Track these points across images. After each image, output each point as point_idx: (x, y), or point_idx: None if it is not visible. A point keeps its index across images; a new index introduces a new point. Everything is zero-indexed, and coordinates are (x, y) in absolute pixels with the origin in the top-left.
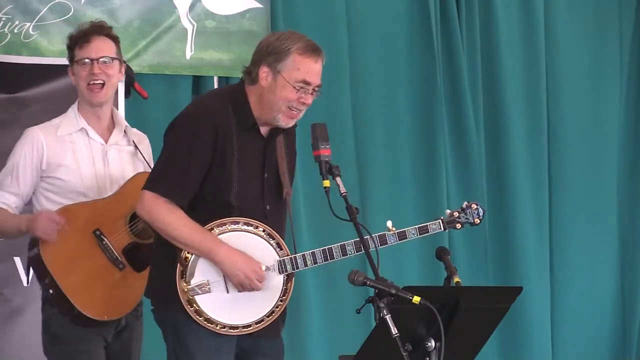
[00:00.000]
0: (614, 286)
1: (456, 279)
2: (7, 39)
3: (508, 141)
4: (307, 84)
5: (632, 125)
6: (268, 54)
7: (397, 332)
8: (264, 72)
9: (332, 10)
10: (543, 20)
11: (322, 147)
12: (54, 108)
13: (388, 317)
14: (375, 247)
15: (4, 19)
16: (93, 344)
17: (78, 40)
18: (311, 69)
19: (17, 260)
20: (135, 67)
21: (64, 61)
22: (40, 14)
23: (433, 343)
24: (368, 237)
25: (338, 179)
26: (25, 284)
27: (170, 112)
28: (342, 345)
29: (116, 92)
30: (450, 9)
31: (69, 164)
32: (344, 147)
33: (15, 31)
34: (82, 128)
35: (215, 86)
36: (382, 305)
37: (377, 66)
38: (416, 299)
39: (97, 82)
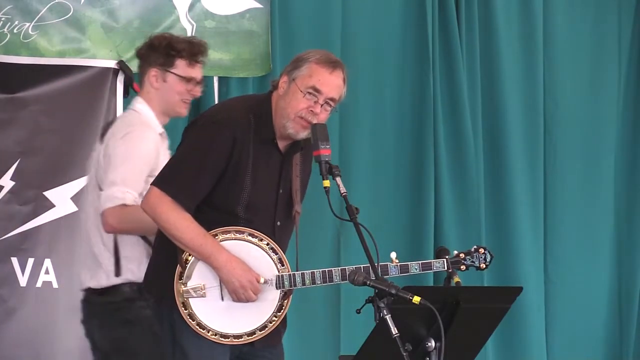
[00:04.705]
0: (610, 286)
1: (456, 279)
2: (7, 39)
3: (505, 142)
4: (317, 91)
5: (630, 126)
6: (291, 63)
7: (397, 332)
8: (283, 80)
9: (329, 12)
10: (542, 23)
11: (322, 147)
12: (54, 108)
13: (388, 317)
14: (375, 246)
15: (3, 19)
16: None
17: (189, 53)
18: (324, 78)
19: (14, 260)
20: (135, 67)
21: (64, 61)
22: (40, 14)
23: (433, 343)
24: (370, 266)
25: (338, 179)
26: (22, 284)
27: None
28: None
29: (114, 94)
30: (450, 14)
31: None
32: None
33: (15, 31)
34: (162, 132)
35: (215, 86)
36: (382, 305)
37: (371, 70)
38: (416, 299)
39: (189, 100)
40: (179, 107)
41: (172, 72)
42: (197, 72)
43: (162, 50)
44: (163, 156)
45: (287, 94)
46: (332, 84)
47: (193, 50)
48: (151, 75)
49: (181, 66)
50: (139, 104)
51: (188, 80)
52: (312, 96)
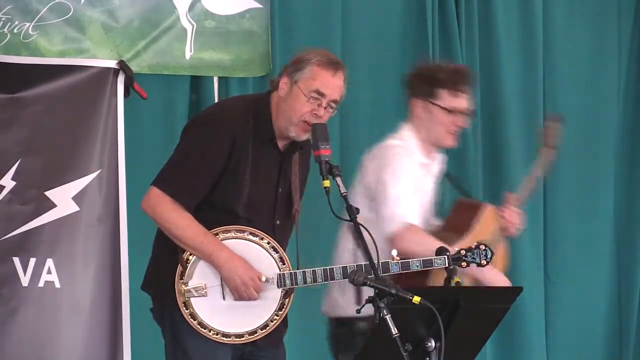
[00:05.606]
0: (610, 286)
1: (456, 279)
2: (7, 39)
3: (505, 142)
4: (321, 94)
5: (629, 126)
6: (291, 64)
7: (397, 332)
8: (284, 82)
9: (329, 12)
10: (542, 23)
11: (322, 147)
12: (54, 108)
13: (388, 317)
14: (376, 246)
15: (3, 19)
16: None
17: (452, 83)
18: (327, 81)
19: (16, 260)
20: (135, 67)
21: (64, 61)
22: (40, 14)
23: (433, 343)
24: (370, 263)
25: (338, 179)
26: (24, 284)
27: (168, 112)
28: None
29: (115, 94)
30: (450, 14)
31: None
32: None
33: (15, 31)
34: (426, 163)
35: (215, 86)
36: (382, 305)
37: (371, 70)
38: (416, 299)
39: (455, 132)
40: (445, 138)
41: (434, 104)
42: (461, 102)
43: (425, 80)
44: (427, 186)
45: (289, 96)
46: (334, 86)
47: (456, 78)
48: (414, 106)
49: (444, 97)
50: (405, 131)
51: (451, 111)
52: (315, 100)
